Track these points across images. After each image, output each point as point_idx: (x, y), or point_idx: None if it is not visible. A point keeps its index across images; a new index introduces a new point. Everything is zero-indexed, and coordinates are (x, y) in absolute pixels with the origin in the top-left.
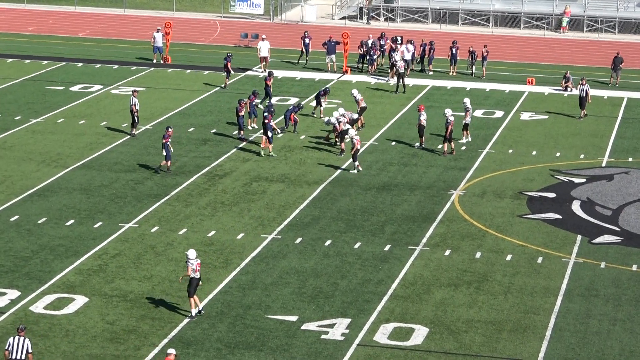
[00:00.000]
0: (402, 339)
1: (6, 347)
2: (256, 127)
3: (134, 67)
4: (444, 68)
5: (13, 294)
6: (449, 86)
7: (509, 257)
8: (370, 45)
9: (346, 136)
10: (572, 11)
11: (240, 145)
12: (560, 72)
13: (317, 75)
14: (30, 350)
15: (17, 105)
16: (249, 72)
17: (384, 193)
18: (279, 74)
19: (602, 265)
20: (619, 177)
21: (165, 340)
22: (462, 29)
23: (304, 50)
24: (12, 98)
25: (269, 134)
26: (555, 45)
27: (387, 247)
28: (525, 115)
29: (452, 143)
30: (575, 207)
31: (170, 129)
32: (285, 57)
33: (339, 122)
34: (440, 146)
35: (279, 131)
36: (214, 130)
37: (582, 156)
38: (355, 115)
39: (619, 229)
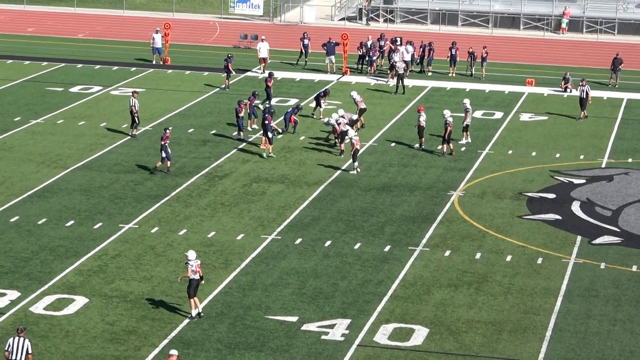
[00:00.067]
0: (402, 340)
1: (6, 348)
2: (257, 127)
3: (134, 68)
4: (444, 69)
5: (13, 294)
6: (449, 87)
7: (508, 258)
8: (369, 47)
9: (346, 137)
10: (571, 12)
11: (240, 146)
12: (559, 73)
13: (316, 77)
14: (30, 351)
15: (16, 106)
16: (248, 73)
17: (384, 194)
18: (278, 75)
19: (602, 265)
20: (619, 178)
21: (166, 341)
22: (462, 30)
23: (303, 51)
24: (12, 99)
25: (269, 134)
26: (554, 46)
27: (387, 248)
28: (525, 116)
29: (452, 144)
30: (575, 207)
31: (168, 131)
32: (285, 58)
33: (339, 123)
34: (439, 147)
35: (280, 130)
36: (213, 131)
37: (581, 157)
38: (355, 116)
39: (618, 230)
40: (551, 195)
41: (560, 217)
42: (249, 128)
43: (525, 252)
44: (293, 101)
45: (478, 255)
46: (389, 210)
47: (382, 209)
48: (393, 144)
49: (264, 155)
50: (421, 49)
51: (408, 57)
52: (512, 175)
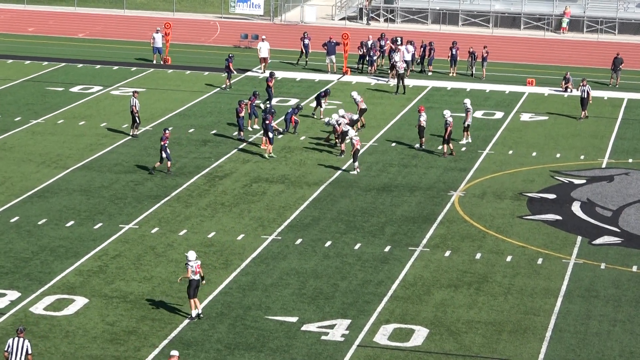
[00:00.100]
0: (402, 340)
1: (5, 349)
2: (258, 127)
3: (134, 68)
4: (444, 69)
5: (13, 295)
6: (449, 87)
7: (509, 258)
8: (370, 46)
9: (346, 137)
10: (572, 12)
11: (241, 147)
12: (560, 73)
13: (317, 76)
14: (30, 352)
15: (17, 106)
16: (249, 73)
17: (384, 194)
18: (278, 74)
19: (602, 266)
20: (619, 178)
21: (165, 342)
22: (462, 30)
23: (303, 51)
24: (12, 99)
25: (270, 135)
26: (555, 46)
27: (387, 248)
28: (525, 116)
29: (452, 144)
30: (576, 208)
31: (167, 131)
32: (285, 58)
33: (339, 124)
34: (440, 147)
35: (280, 130)
36: (214, 131)
37: (582, 157)
38: (355, 116)
39: (619, 230)
40: (551, 196)
41: (560, 218)
42: (250, 128)
43: (526, 253)
44: (293, 101)
45: (478, 256)
46: (389, 211)
47: (383, 209)
48: (393, 144)
49: (265, 155)
50: (422, 49)
51: (408, 57)
52: (513, 176)
